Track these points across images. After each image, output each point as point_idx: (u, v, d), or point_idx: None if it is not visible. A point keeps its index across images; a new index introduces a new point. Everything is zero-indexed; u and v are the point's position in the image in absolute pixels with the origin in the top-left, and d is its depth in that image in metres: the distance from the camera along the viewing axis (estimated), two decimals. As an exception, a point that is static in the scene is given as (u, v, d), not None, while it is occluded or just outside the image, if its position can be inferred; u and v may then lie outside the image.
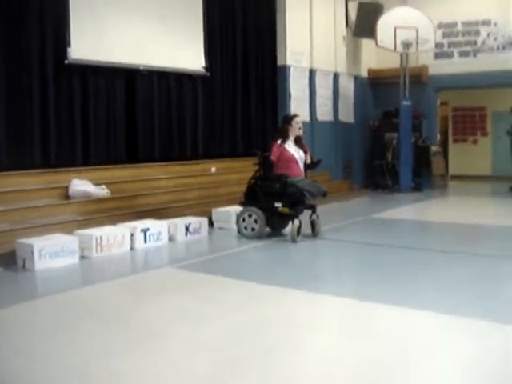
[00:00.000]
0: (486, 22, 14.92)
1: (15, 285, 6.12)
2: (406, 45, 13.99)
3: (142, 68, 10.09)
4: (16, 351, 4.07)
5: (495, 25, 14.85)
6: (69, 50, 9.02)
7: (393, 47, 14.06)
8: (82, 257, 6.98)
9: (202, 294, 5.54)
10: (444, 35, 15.44)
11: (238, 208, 8.55)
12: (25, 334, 4.43)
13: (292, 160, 8.17)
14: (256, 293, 5.53)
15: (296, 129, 8.33)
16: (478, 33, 15.08)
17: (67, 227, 7.48)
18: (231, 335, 4.34)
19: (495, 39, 14.89)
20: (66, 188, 8.43)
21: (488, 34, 14.98)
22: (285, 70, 13.12)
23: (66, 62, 9.00)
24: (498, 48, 14.88)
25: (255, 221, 8.12)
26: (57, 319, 4.79)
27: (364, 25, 14.66)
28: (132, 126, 10.16)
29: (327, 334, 4.41)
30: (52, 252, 6.57)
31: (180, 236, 8.15)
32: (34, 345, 4.19)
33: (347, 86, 15.17)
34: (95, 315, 4.88)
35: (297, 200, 8.00)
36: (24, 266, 6.50)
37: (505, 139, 15.77)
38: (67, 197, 8.40)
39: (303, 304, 5.21)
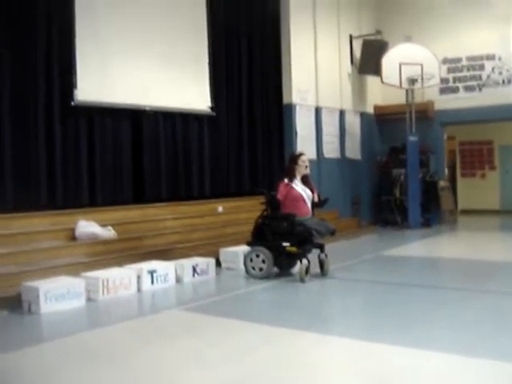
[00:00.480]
0: (491, 57, 14.98)
1: (21, 328, 6.03)
2: (412, 81, 14.04)
3: (147, 109, 10.12)
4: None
5: (499, 59, 14.91)
6: (75, 91, 9.07)
7: (398, 83, 14.11)
8: (89, 299, 6.90)
9: (210, 336, 5.45)
10: (449, 70, 15.49)
11: (245, 248, 8.48)
12: (31, 379, 4.34)
13: (299, 199, 8.12)
14: (265, 335, 5.43)
15: (302, 167, 8.30)
16: (482, 67, 15.14)
17: (73, 269, 7.41)
18: (240, 379, 4.24)
19: (500, 73, 14.94)
20: (73, 229, 8.39)
21: (493, 69, 15.02)
22: (290, 108, 13.15)
23: (73, 103, 9.05)
24: (503, 82, 14.92)
25: (263, 261, 8.04)
26: (63, 363, 4.70)
27: (369, 62, 14.73)
28: (138, 166, 10.17)
29: (338, 377, 4.31)
30: (58, 295, 6.50)
31: (187, 277, 8.07)
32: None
33: (353, 123, 15.19)
34: (102, 359, 4.79)
35: (305, 239, 7.92)
36: (30, 309, 6.42)
37: (513, 173, 15.76)
38: (73, 238, 8.35)
39: (313, 346, 5.11)
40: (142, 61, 10.07)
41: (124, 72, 9.78)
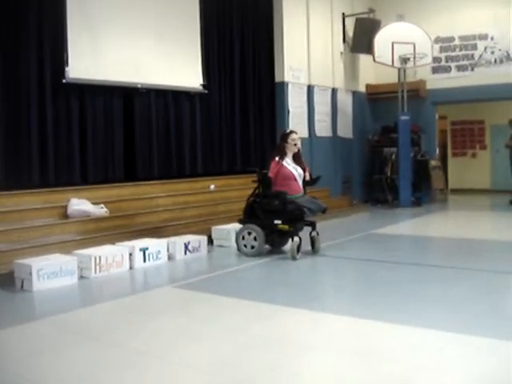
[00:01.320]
0: (483, 36, 14.97)
1: (13, 306, 6.06)
2: (404, 60, 14.01)
3: (139, 86, 10.09)
4: (13, 374, 4.02)
5: (492, 39, 14.89)
6: (66, 69, 9.04)
7: (390, 62, 14.09)
8: (81, 277, 6.93)
9: (201, 313, 5.50)
10: (441, 50, 15.49)
11: (237, 226, 8.52)
12: (21, 357, 4.36)
13: (290, 177, 8.14)
14: (256, 312, 5.48)
15: (292, 145, 8.28)
16: (475, 47, 15.13)
17: (66, 247, 7.44)
18: (230, 356, 4.29)
19: (492, 53, 14.93)
20: (65, 207, 8.39)
21: (485, 48, 15.02)
22: (283, 86, 13.12)
23: (64, 81, 9.01)
24: (495, 62, 14.92)
25: (255, 238, 8.08)
26: (55, 341, 4.74)
27: (361, 40, 14.70)
28: (130, 144, 10.16)
29: (329, 353, 4.35)
30: (50, 272, 6.52)
31: (179, 255, 8.11)
32: (30, 367, 4.14)
33: (345, 102, 15.18)
34: (93, 337, 4.82)
35: (296, 217, 7.97)
36: (22, 286, 6.45)
37: (503, 152, 15.80)
38: (66, 216, 8.36)
39: (304, 323, 5.17)
40: (134, 38, 10.03)
41: (116, 49, 9.74)
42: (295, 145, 8.36)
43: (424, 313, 5.28)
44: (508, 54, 14.69)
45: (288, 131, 8.86)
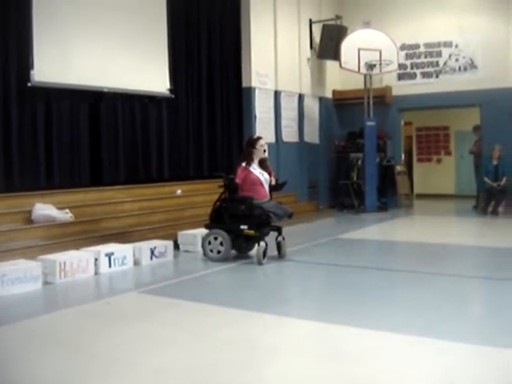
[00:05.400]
0: (448, 44, 15.21)
1: (-24, 312, 5.99)
2: (370, 66, 14.13)
3: (106, 90, 10.03)
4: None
5: (456, 46, 15.14)
6: (32, 72, 8.94)
7: (357, 69, 14.20)
8: (46, 282, 6.86)
9: (167, 319, 5.49)
10: (407, 56, 15.69)
11: (203, 230, 8.51)
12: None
13: (257, 182, 8.16)
14: (223, 317, 5.49)
15: (260, 151, 8.33)
16: (439, 54, 15.36)
17: (30, 252, 7.36)
18: (197, 361, 4.29)
19: (457, 60, 15.17)
20: (29, 212, 8.30)
21: (450, 56, 15.25)
22: (250, 91, 13.15)
23: (29, 84, 8.92)
24: (459, 69, 15.15)
25: (221, 243, 8.09)
26: (19, 347, 4.68)
27: (328, 47, 14.80)
28: (96, 148, 10.09)
29: (296, 358, 4.38)
30: (14, 278, 6.45)
31: (145, 260, 8.08)
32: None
33: (312, 108, 15.27)
34: (57, 343, 4.79)
35: (262, 222, 8.00)
36: (-15, 292, 6.37)
37: (468, 158, 16.04)
38: (30, 221, 8.26)
39: (270, 328, 5.19)
40: (100, 42, 9.97)
41: (82, 53, 9.66)
42: (264, 151, 8.40)
43: (388, 317, 5.34)
44: (472, 62, 14.93)
45: (255, 137, 8.89)
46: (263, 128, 13.14)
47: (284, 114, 14.08)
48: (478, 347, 4.44)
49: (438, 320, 5.20)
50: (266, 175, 8.30)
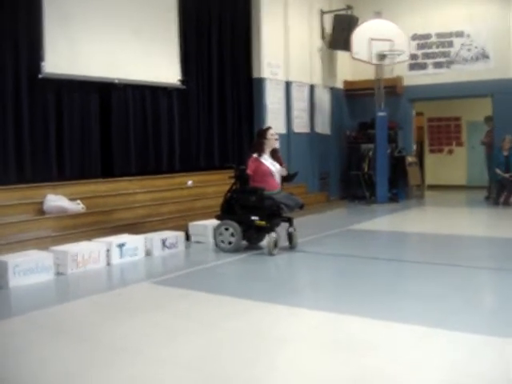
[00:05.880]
0: (460, 34, 15.10)
1: (-12, 303, 6.03)
2: (381, 56, 14.08)
3: (116, 81, 10.04)
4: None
5: (468, 36, 15.02)
6: (42, 64, 8.95)
7: (368, 59, 14.15)
8: (58, 273, 6.90)
9: (178, 309, 5.51)
10: (418, 47, 15.60)
11: (214, 221, 8.52)
12: (-2, 354, 4.36)
13: (268, 173, 8.16)
14: (233, 308, 5.50)
15: (272, 141, 8.34)
16: (451, 44, 15.25)
17: (42, 243, 7.40)
18: (208, 351, 4.30)
19: (469, 50, 15.06)
20: (41, 203, 8.33)
21: (461, 46, 15.13)
22: (260, 82, 13.13)
23: (40, 76, 8.93)
24: (471, 59, 15.03)
25: (232, 234, 8.10)
26: (31, 338, 4.71)
27: (339, 37, 14.75)
28: (107, 139, 10.10)
29: (306, 348, 4.38)
30: (27, 269, 6.50)
31: (157, 251, 8.10)
32: (4, 364, 4.13)
33: (323, 98, 15.23)
34: (69, 333, 4.82)
35: (273, 213, 8.00)
36: (-2, 283, 6.41)
37: (479, 149, 15.97)
38: (42, 212, 8.30)
39: (281, 318, 5.19)
40: (111, 33, 9.97)
41: (93, 44, 9.66)
42: (276, 139, 8.41)
43: (399, 308, 5.34)
44: (484, 52, 14.83)
45: (265, 127, 8.89)
46: (274, 119, 13.11)
47: (295, 104, 14.05)
48: (488, 338, 4.43)
49: (449, 311, 5.19)
50: (277, 166, 8.29)
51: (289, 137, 13.64)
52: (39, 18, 8.94)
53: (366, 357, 4.11)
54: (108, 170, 10.08)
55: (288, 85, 13.87)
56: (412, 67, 15.67)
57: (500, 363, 3.99)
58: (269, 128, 8.61)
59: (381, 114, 14.39)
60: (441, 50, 15.42)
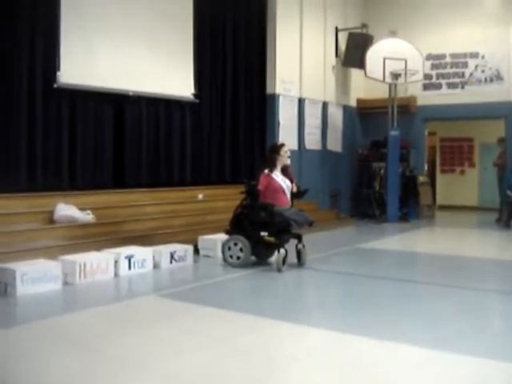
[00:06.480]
0: (474, 55, 15.10)
1: (-4, 310, 6.03)
2: (395, 75, 14.10)
3: (131, 93, 10.09)
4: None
5: (483, 57, 15.02)
6: (58, 73, 9.03)
7: (382, 78, 14.16)
8: (65, 283, 6.90)
9: (184, 323, 5.49)
10: (432, 67, 15.60)
11: (223, 236, 8.50)
12: (1, 361, 4.35)
13: (279, 190, 8.15)
14: (240, 324, 5.47)
15: (285, 158, 8.35)
16: (466, 65, 15.25)
17: (51, 252, 7.40)
18: (213, 368, 4.27)
19: (483, 71, 15.05)
20: (51, 212, 8.35)
21: (476, 67, 15.14)
22: (274, 98, 13.16)
23: (55, 85, 9.00)
24: (485, 80, 15.03)
25: (241, 249, 8.08)
26: (36, 346, 4.70)
27: (353, 55, 14.76)
28: (119, 151, 10.15)
29: (313, 367, 4.35)
30: (35, 277, 6.49)
31: (165, 263, 8.09)
32: (9, 372, 4.12)
33: (336, 116, 15.24)
34: (74, 344, 4.81)
35: (283, 229, 7.98)
36: (6, 291, 6.40)
37: (491, 170, 15.90)
38: (52, 221, 8.32)
39: (288, 336, 5.17)
40: (126, 45, 10.04)
41: (108, 56, 9.75)
42: (288, 157, 8.42)
43: (406, 329, 5.31)
44: (498, 73, 14.81)
45: (280, 143, 8.89)
46: (286, 135, 13.13)
47: (307, 121, 14.07)
48: (496, 362, 4.38)
49: (457, 334, 5.15)
50: (288, 182, 8.29)
51: (300, 153, 13.64)
52: (56, 27, 9.03)
53: (371, 377, 4.08)
54: (119, 181, 10.12)
55: (301, 101, 13.89)
56: (426, 87, 15.67)
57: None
58: (283, 145, 8.60)
59: (393, 132, 14.38)
60: (455, 70, 15.42)
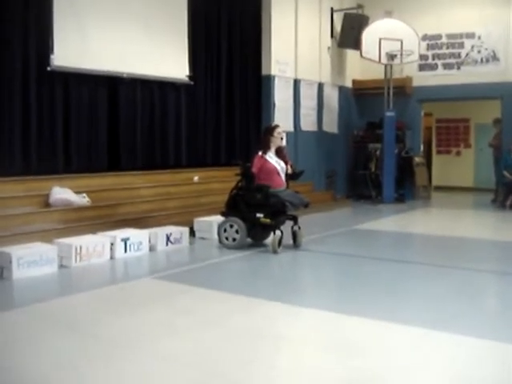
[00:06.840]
0: (470, 35, 15.05)
1: (-8, 294, 6.05)
2: (391, 56, 14.05)
3: (125, 75, 10.04)
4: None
5: (479, 38, 14.97)
6: (52, 56, 8.97)
7: (377, 58, 14.11)
8: (61, 266, 6.91)
9: (180, 305, 5.51)
10: (428, 47, 15.55)
11: (219, 218, 8.51)
12: (-2, 345, 4.37)
13: (273, 171, 8.15)
14: (235, 305, 5.50)
15: (278, 139, 8.34)
16: (462, 45, 15.20)
17: (47, 235, 7.39)
18: (208, 348, 4.30)
19: (479, 52, 15.01)
20: (47, 196, 8.35)
21: (472, 47, 15.09)
22: (269, 79, 13.12)
23: (49, 68, 8.95)
24: (481, 61, 14.99)
25: (236, 231, 8.09)
26: (31, 330, 4.71)
27: (349, 36, 14.69)
28: (114, 133, 10.12)
29: (305, 347, 4.38)
30: (31, 261, 6.51)
31: (161, 246, 8.11)
32: (6, 356, 4.15)
33: (331, 97, 15.20)
34: (70, 326, 4.83)
35: (278, 211, 7.99)
36: (2, 274, 6.41)
37: (487, 151, 15.91)
38: (47, 205, 8.31)
39: (283, 317, 5.19)
40: (120, 27, 9.98)
41: (102, 38, 9.68)
42: (281, 139, 8.41)
43: (401, 309, 5.35)
44: (494, 54, 14.77)
45: (273, 125, 8.88)
46: (282, 116, 13.10)
47: (303, 102, 14.03)
48: (490, 342, 4.42)
49: (452, 314, 5.18)
50: (283, 164, 8.28)
51: (296, 135, 13.63)
52: (49, 10, 8.95)
53: (365, 358, 4.11)
54: (114, 163, 10.09)
55: (297, 82, 13.85)
56: (422, 68, 15.63)
57: (502, 368, 3.98)
58: (276, 126, 8.59)
59: (389, 113, 14.36)
60: (451, 51, 15.37)
